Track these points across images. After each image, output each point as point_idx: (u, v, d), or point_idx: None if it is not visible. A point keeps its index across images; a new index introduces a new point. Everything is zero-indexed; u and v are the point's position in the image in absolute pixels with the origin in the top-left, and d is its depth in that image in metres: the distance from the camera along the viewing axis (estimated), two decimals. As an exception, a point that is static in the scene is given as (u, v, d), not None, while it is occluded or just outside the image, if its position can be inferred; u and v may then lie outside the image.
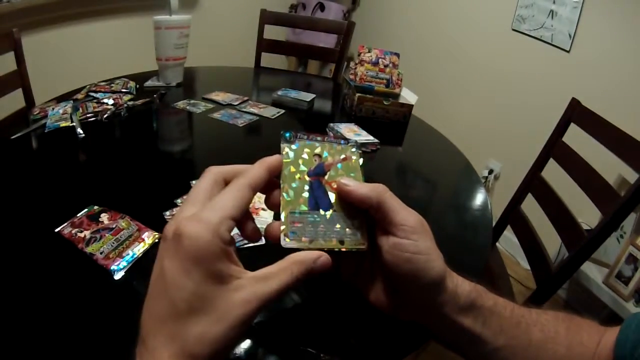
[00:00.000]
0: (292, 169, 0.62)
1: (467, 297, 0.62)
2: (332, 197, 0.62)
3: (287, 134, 0.64)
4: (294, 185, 0.61)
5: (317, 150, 0.64)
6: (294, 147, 0.63)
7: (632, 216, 2.34)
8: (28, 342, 0.71)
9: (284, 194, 0.60)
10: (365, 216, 0.62)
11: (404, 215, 0.59)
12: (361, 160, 0.66)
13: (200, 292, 0.46)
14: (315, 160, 0.64)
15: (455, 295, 0.61)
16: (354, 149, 0.66)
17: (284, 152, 0.63)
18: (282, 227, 0.59)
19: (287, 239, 0.59)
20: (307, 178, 0.62)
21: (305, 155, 0.63)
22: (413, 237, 0.58)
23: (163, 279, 0.48)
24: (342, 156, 0.65)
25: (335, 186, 0.62)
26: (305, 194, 0.61)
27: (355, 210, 0.62)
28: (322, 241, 0.60)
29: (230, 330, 0.47)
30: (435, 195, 1.50)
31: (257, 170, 0.57)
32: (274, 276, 0.52)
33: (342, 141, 0.67)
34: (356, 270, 0.67)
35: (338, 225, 0.61)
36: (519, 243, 1.80)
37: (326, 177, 0.63)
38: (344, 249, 0.60)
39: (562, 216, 1.58)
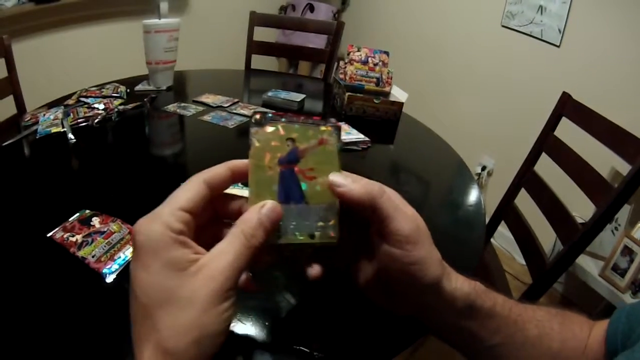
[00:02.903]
0: (262, 156, 0.57)
1: (465, 300, 0.61)
2: (305, 186, 0.57)
3: (257, 116, 0.58)
4: (263, 175, 0.56)
5: (291, 134, 0.58)
6: (266, 130, 0.57)
7: (626, 208, 2.35)
8: (21, 346, 0.70)
9: (252, 186, 0.56)
10: (340, 206, 0.58)
11: (398, 223, 0.56)
12: (339, 144, 0.60)
13: (162, 284, 0.46)
14: (289, 146, 0.58)
15: (453, 298, 0.60)
16: (330, 129, 0.59)
17: (252, 138, 0.57)
18: None
19: None
20: (278, 167, 0.57)
21: (277, 141, 0.57)
22: (406, 248, 0.55)
23: (131, 281, 0.48)
24: (318, 139, 0.59)
25: (308, 175, 0.57)
26: (275, 187, 0.56)
27: (330, 200, 0.58)
28: (292, 235, 0.57)
29: (202, 314, 0.46)
30: (428, 193, 1.50)
31: (217, 167, 0.56)
32: (228, 245, 0.50)
33: (321, 121, 0.60)
34: (351, 262, 0.66)
35: (309, 219, 0.57)
36: (514, 238, 1.80)
37: (299, 164, 0.58)
38: (314, 243, 0.57)
39: (556, 210, 1.58)
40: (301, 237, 0.57)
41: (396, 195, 0.59)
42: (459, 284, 0.61)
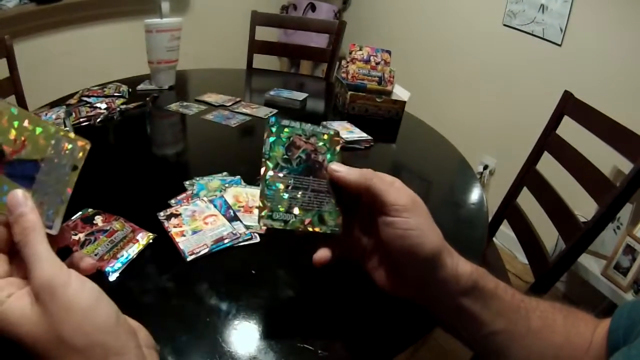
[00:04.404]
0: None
1: (468, 277, 0.63)
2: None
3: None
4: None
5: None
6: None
7: (628, 207, 2.35)
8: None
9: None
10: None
11: (394, 195, 0.61)
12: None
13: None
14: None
15: (456, 274, 0.62)
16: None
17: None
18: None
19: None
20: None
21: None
22: (404, 215, 0.60)
23: None
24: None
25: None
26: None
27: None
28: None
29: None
30: (431, 192, 1.50)
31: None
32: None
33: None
34: (358, 250, 0.70)
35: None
36: (516, 237, 1.80)
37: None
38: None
39: (558, 209, 1.58)
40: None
41: (391, 177, 0.65)
42: (461, 262, 0.64)
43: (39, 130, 0.54)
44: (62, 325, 0.44)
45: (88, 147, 0.56)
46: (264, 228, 1.00)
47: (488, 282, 0.64)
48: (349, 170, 0.65)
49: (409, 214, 0.61)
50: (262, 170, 0.64)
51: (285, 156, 0.65)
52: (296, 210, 0.65)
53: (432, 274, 0.62)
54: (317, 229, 0.65)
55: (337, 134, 0.70)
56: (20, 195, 0.49)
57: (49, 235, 0.49)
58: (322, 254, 0.67)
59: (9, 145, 0.52)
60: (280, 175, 0.65)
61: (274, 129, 0.66)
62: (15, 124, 0.53)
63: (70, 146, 0.55)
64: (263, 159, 0.65)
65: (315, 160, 0.67)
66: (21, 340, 0.45)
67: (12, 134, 0.53)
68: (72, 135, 0.56)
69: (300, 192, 0.65)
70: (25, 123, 0.53)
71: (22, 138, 0.53)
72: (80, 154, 0.56)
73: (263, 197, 0.64)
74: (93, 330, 0.45)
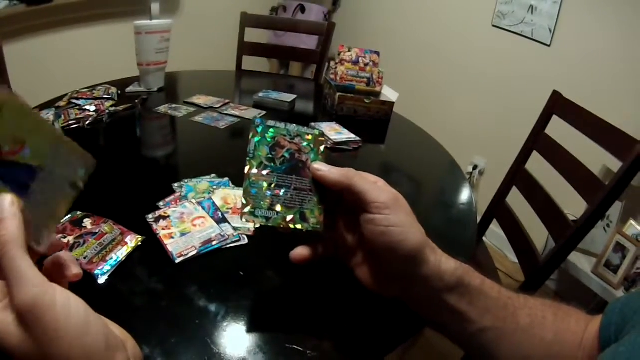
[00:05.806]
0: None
1: (452, 274, 0.64)
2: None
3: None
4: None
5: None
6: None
7: (618, 205, 2.36)
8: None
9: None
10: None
11: (376, 194, 0.63)
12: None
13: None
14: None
15: (439, 270, 0.63)
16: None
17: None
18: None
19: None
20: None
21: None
22: (385, 212, 0.62)
23: None
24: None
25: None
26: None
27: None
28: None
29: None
30: (420, 192, 1.50)
31: None
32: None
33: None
34: (341, 249, 0.71)
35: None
36: (506, 237, 1.80)
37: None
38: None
39: (548, 208, 1.59)
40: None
41: (375, 177, 0.67)
42: (444, 259, 0.65)
43: (43, 132, 0.48)
44: (50, 348, 0.42)
45: (93, 165, 0.52)
46: (253, 230, 1.01)
47: (473, 278, 0.65)
48: (331, 170, 0.67)
49: (390, 211, 0.62)
50: (246, 169, 0.67)
51: (270, 155, 0.68)
52: (278, 208, 0.67)
53: (415, 271, 0.63)
54: (298, 226, 0.67)
55: (321, 134, 0.72)
56: (7, 201, 0.44)
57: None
58: (300, 251, 0.69)
59: (5, 142, 0.45)
60: (264, 173, 0.67)
61: (259, 129, 0.69)
62: (18, 120, 0.45)
63: (74, 159, 0.50)
64: (247, 158, 0.67)
65: (299, 160, 0.69)
66: (9, 353, 0.44)
67: (12, 131, 0.45)
68: (79, 148, 0.51)
69: (283, 190, 0.68)
70: (29, 122, 0.46)
71: (23, 138, 0.46)
72: (84, 173, 0.51)
73: (246, 194, 0.66)
74: (83, 354, 0.44)
